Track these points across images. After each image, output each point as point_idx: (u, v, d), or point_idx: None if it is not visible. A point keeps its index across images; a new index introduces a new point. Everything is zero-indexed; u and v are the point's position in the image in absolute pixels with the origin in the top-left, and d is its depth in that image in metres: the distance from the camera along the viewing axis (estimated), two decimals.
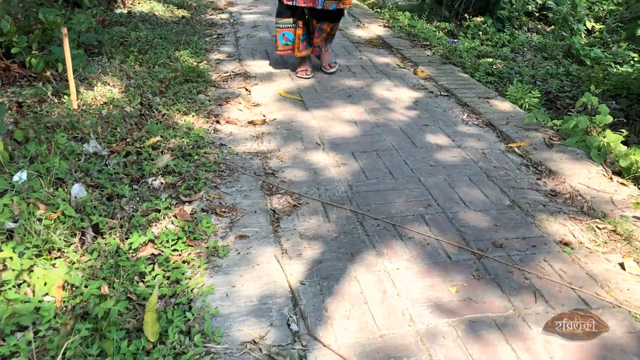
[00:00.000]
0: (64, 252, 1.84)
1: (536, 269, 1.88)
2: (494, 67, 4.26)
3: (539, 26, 6.05)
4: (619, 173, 2.58)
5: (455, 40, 4.95)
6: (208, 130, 2.92)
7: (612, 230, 2.12)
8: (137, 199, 2.22)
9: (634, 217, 2.21)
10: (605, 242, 2.06)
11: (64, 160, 2.36)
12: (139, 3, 5.46)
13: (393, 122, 3.11)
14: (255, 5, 6.30)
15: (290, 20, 3.64)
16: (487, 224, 2.14)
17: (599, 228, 2.14)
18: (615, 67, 4.51)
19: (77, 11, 4.66)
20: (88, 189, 2.21)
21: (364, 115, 3.20)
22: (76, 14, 3.72)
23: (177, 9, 5.54)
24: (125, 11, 5.17)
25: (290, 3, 3.53)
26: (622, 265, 1.92)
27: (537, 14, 6.25)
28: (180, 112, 3.07)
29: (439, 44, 4.69)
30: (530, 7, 6.05)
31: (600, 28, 5.37)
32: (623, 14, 5.49)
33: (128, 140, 2.67)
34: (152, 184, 2.36)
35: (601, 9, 5.80)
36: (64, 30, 2.94)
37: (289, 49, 3.77)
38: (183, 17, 5.28)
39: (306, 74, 3.83)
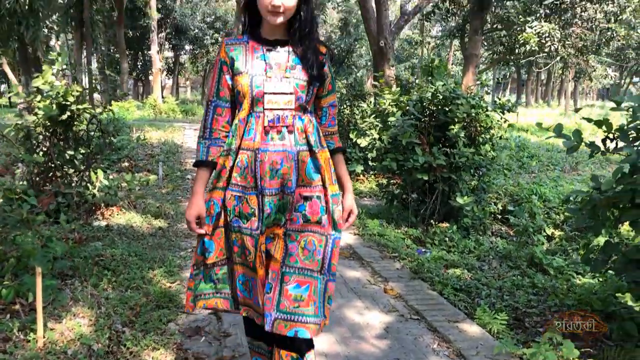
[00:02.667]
0: None
1: None
2: (461, 280, 4.37)
3: (502, 229, 6.38)
4: None
5: (423, 250, 5.15)
6: None
7: None
8: None
9: None
10: None
11: None
12: (117, 214, 5.66)
13: (364, 355, 3.09)
14: None
15: (265, 346, 2.41)
16: None
17: None
18: (577, 277, 4.67)
19: (56, 227, 4.79)
20: None
21: (335, 347, 3.19)
22: (53, 242, 3.83)
23: (155, 219, 5.74)
24: (103, 223, 5.32)
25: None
26: None
27: (499, 217, 6.62)
28: (148, 347, 3.03)
29: (408, 255, 4.87)
30: (492, 209, 6.41)
31: (559, 235, 5.68)
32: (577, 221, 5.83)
33: None
34: None
35: (558, 217, 6.17)
36: (38, 270, 3.01)
37: None
38: (160, 228, 5.44)
39: None
